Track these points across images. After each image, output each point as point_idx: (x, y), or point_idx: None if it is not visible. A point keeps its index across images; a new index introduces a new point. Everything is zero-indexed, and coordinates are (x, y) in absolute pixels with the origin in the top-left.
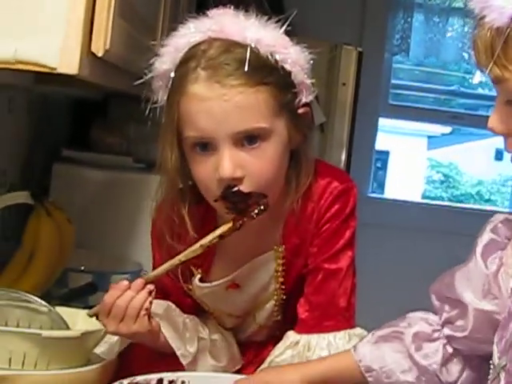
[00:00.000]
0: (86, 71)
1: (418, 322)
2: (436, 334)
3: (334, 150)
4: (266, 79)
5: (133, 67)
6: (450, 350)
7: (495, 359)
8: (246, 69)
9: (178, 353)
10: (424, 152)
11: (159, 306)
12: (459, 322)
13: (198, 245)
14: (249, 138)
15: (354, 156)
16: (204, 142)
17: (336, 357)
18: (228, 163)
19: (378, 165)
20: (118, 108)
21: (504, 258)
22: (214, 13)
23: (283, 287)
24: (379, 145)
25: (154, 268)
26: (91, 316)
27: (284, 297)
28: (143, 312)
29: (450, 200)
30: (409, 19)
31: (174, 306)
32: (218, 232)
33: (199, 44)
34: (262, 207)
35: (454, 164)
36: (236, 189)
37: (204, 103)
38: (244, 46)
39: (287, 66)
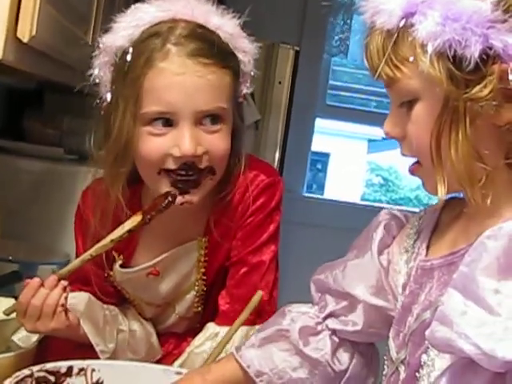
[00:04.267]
0: (11, 57)
1: (300, 317)
2: (319, 327)
3: (268, 148)
4: (230, 63)
5: (64, 56)
6: (336, 339)
7: (393, 353)
8: (215, 49)
9: (98, 349)
10: (364, 155)
11: (80, 299)
12: (349, 317)
13: (108, 239)
14: (211, 118)
15: (288, 155)
16: (164, 118)
17: (220, 366)
18: (190, 141)
19: (319, 166)
20: (52, 99)
21: (390, 254)
22: None
23: (204, 278)
24: (320, 147)
25: (78, 255)
26: (8, 314)
27: (205, 288)
28: (59, 309)
29: (388, 203)
30: (348, 20)
31: (94, 298)
32: (127, 227)
33: (162, 23)
34: (170, 199)
35: (394, 168)
36: (192, 165)
37: (176, 77)
38: (208, 30)
39: (240, 56)
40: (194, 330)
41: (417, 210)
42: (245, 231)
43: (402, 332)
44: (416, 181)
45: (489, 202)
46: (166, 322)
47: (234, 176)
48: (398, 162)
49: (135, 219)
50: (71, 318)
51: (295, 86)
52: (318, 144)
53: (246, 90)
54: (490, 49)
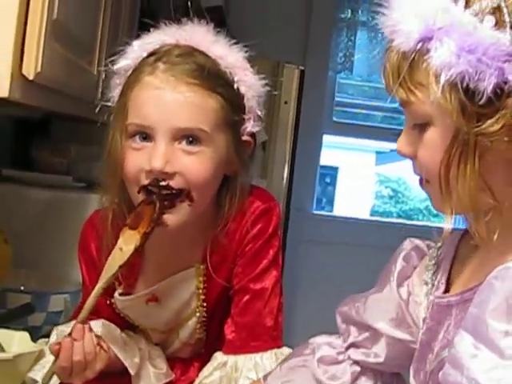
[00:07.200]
0: (18, 94)
1: (322, 347)
2: (341, 357)
3: (276, 168)
4: (220, 89)
5: (69, 88)
6: (357, 368)
7: None
8: (204, 72)
9: (126, 363)
10: (372, 167)
11: (96, 325)
12: (372, 349)
13: (116, 266)
14: (188, 138)
15: (296, 173)
16: (143, 132)
17: None
18: (161, 156)
19: (328, 180)
20: (59, 127)
21: (410, 286)
22: (186, 23)
23: (205, 305)
24: (328, 161)
25: (84, 285)
26: (47, 382)
27: (206, 314)
28: (98, 348)
29: (398, 215)
30: (352, 37)
31: (107, 322)
32: (131, 246)
33: (165, 45)
34: (157, 207)
35: (403, 179)
36: (165, 183)
37: (156, 91)
38: (205, 55)
39: (242, 89)
40: (200, 356)
41: (427, 222)
42: (245, 259)
43: (423, 370)
44: None
45: (495, 237)
46: (171, 347)
47: (233, 208)
48: (406, 173)
49: (131, 238)
50: (106, 348)
51: (301, 105)
52: (326, 158)
53: (250, 127)
54: (505, 83)
